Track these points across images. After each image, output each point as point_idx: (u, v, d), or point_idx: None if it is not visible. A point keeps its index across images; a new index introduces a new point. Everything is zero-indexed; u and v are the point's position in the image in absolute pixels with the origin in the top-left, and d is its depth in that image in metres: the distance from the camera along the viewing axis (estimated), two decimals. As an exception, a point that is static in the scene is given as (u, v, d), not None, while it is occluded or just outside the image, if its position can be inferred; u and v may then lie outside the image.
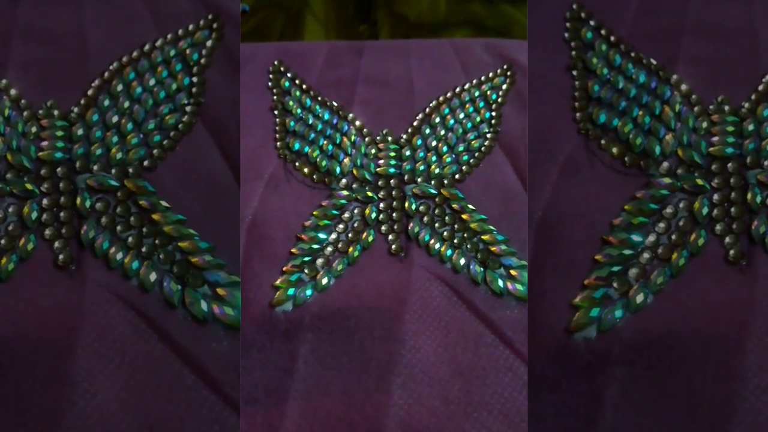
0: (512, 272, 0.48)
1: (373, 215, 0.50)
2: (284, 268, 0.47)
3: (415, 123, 0.57)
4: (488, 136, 0.56)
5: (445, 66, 0.63)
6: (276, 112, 0.57)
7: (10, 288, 0.41)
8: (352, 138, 0.55)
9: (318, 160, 0.53)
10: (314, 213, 0.50)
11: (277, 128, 0.56)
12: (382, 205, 0.51)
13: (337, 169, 0.53)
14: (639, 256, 0.43)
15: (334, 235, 0.49)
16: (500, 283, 0.47)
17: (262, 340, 0.44)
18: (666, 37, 0.52)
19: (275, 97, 0.58)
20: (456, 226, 0.50)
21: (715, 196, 0.45)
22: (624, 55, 0.51)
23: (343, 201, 0.51)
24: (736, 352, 0.39)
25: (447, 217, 0.50)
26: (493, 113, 0.58)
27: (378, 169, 0.53)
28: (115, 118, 0.48)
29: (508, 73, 0.61)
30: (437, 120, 0.57)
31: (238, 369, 0.41)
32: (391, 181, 0.52)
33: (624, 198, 0.46)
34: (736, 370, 0.39)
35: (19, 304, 0.40)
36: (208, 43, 0.54)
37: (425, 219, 0.50)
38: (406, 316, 0.45)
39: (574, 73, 0.51)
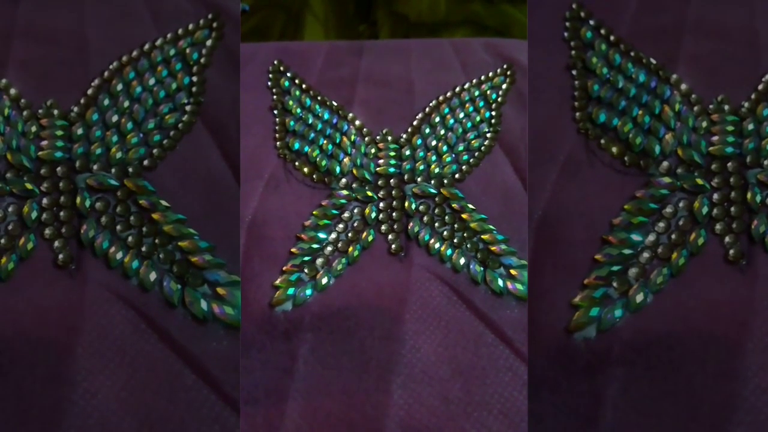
0: (512, 272, 0.48)
1: (373, 215, 0.50)
2: (284, 268, 0.47)
3: (414, 122, 0.57)
4: (488, 135, 0.56)
5: (445, 65, 0.63)
6: (276, 112, 0.57)
7: (10, 287, 0.41)
8: (352, 138, 0.55)
9: (318, 159, 0.53)
10: (314, 213, 0.50)
11: (276, 128, 0.56)
12: (381, 204, 0.51)
13: (337, 169, 0.53)
14: (639, 256, 0.43)
15: (333, 235, 0.49)
16: (500, 282, 0.47)
17: (262, 340, 0.44)
18: (666, 36, 0.52)
19: (275, 97, 0.58)
20: (456, 225, 0.50)
21: (715, 196, 0.45)
22: (624, 54, 0.51)
23: (343, 200, 0.51)
24: (736, 352, 0.39)
25: (447, 217, 0.50)
26: (493, 113, 0.58)
27: (378, 169, 0.53)
28: (115, 118, 0.48)
29: (508, 73, 0.61)
30: (437, 119, 0.57)
31: (238, 368, 0.41)
32: (391, 180, 0.52)
33: (624, 197, 0.46)
34: (736, 369, 0.39)
35: (19, 304, 0.40)
36: (208, 43, 0.54)
37: (425, 218, 0.50)
38: (406, 316, 0.45)
39: (574, 72, 0.51)
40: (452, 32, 0.92)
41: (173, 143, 0.48)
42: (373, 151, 0.54)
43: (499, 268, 0.48)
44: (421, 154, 0.54)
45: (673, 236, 0.44)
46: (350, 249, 0.49)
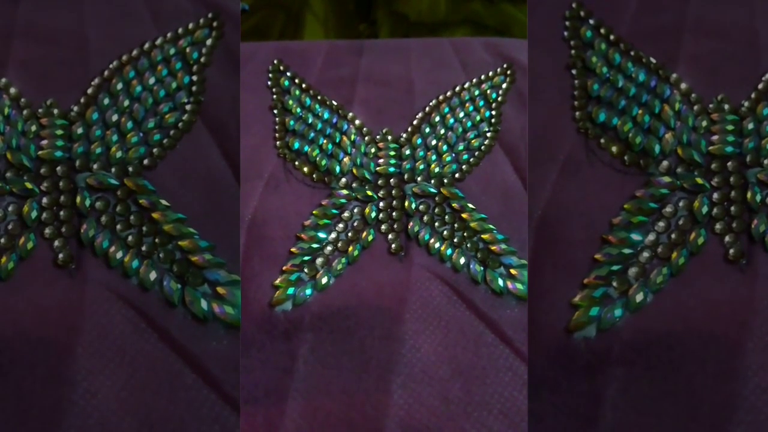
0: (512, 271, 0.48)
1: (373, 214, 0.50)
2: (284, 268, 0.47)
3: (414, 122, 0.57)
4: (488, 135, 0.56)
5: (445, 65, 0.63)
6: (276, 111, 0.57)
7: (10, 287, 0.41)
8: (352, 137, 0.55)
9: (318, 159, 0.53)
10: (314, 212, 0.50)
11: (276, 127, 0.56)
12: (381, 204, 0.51)
13: (337, 168, 0.53)
14: (639, 255, 0.43)
15: (333, 235, 0.49)
16: (500, 282, 0.47)
17: (261, 340, 0.44)
18: (665, 35, 0.52)
19: (275, 96, 0.58)
20: (456, 225, 0.50)
21: (715, 195, 0.45)
22: (623, 53, 0.51)
23: (343, 200, 0.51)
24: (736, 352, 0.39)
25: (447, 216, 0.50)
26: (493, 112, 0.58)
27: (378, 168, 0.53)
28: (114, 117, 0.48)
29: (508, 72, 0.61)
30: (437, 119, 0.57)
31: (238, 368, 0.41)
32: (391, 180, 0.52)
33: (623, 197, 0.46)
34: (736, 369, 0.39)
35: (19, 303, 0.40)
36: (208, 42, 0.54)
37: (425, 218, 0.50)
38: (406, 316, 0.45)
39: (574, 72, 0.51)
40: (452, 32, 0.92)
41: (173, 142, 0.48)
42: (373, 150, 0.54)
43: (499, 267, 0.48)
44: (421, 153, 0.54)
45: (673, 236, 0.44)
46: (350, 248, 0.49)
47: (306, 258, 0.48)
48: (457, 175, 0.53)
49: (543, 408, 0.40)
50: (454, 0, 0.95)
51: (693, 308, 0.41)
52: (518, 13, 0.93)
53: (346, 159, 0.53)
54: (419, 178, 0.52)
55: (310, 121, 0.56)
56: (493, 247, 0.49)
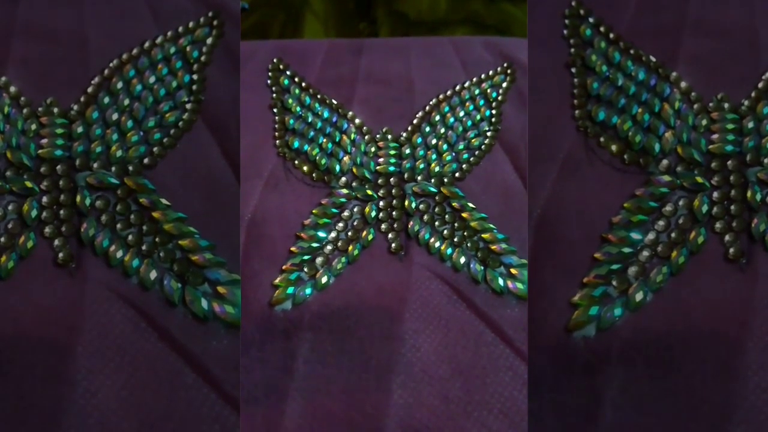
0: (512, 271, 0.48)
1: (373, 214, 0.50)
2: (284, 267, 0.47)
3: (415, 121, 0.57)
4: (488, 134, 0.56)
5: (445, 64, 0.63)
6: (275, 110, 0.57)
7: (10, 286, 0.41)
8: (352, 136, 0.55)
9: (317, 158, 0.53)
10: (314, 211, 0.50)
11: (276, 126, 0.56)
12: (381, 203, 0.51)
13: (337, 168, 0.53)
14: (638, 254, 0.43)
15: (333, 234, 0.49)
16: (500, 281, 0.47)
17: (261, 339, 0.44)
18: (665, 34, 0.52)
19: (274, 95, 0.58)
20: (456, 224, 0.50)
21: (715, 194, 0.45)
22: (623, 52, 0.51)
23: (343, 199, 0.51)
24: (736, 351, 0.39)
25: (447, 216, 0.50)
26: (493, 111, 0.58)
27: (378, 168, 0.53)
28: (115, 116, 0.48)
29: (508, 71, 0.61)
30: (437, 118, 0.57)
31: (238, 367, 0.41)
32: (391, 179, 0.52)
33: (623, 196, 0.46)
34: (736, 368, 0.39)
35: (19, 303, 0.40)
36: (208, 41, 0.53)
37: (425, 217, 0.50)
38: (406, 315, 0.45)
39: (574, 70, 0.51)
40: (452, 30, 0.92)
41: (173, 141, 0.48)
42: (373, 149, 0.54)
43: (499, 267, 0.48)
44: (421, 152, 0.54)
45: (673, 235, 0.44)
46: (350, 248, 0.48)
47: (306, 257, 0.48)
48: (457, 175, 0.53)
49: (543, 407, 0.40)
50: (455, -1, 0.95)
51: (693, 307, 0.41)
52: (518, 11, 0.93)
53: (346, 158, 0.53)
54: (419, 178, 0.52)
55: (309, 120, 0.56)
56: (493, 247, 0.49)
